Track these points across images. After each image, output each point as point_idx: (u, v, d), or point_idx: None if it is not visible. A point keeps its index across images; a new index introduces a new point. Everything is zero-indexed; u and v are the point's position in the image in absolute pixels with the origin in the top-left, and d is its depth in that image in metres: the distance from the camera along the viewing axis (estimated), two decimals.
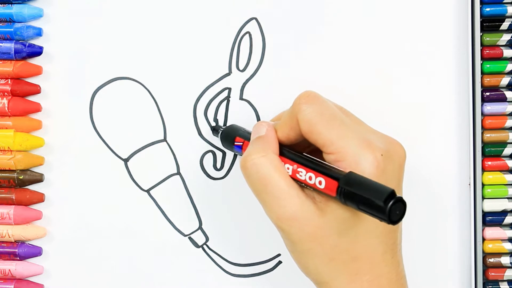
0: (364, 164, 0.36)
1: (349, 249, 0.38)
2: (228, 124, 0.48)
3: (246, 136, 0.43)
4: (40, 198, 0.48)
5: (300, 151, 0.40)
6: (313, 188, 0.37)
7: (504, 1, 0.47)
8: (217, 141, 0.48)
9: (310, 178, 0.37)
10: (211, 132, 0.48)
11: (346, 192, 0.35)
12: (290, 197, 0.37)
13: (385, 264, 0.38)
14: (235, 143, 0.44)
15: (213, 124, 0.48)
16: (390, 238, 0.39)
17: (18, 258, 0.48)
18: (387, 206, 0.33)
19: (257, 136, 0.41)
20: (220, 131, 0.46)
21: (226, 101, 0.48)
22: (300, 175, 0.38)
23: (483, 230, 0.47)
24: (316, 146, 0.39)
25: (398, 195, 0.33)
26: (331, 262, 0.38)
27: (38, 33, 0.48)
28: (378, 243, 0.38)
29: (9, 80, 0.48)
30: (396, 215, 0.33)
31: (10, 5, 0.48)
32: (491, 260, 0.47)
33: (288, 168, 0.39)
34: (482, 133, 0.47)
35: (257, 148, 0.39)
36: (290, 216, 0.37)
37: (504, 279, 0.47)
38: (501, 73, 0.47)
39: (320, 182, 0.37)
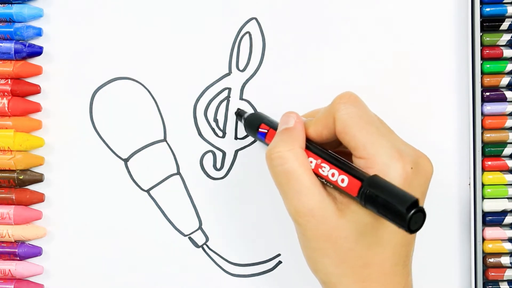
0: (392, 175, 0.36)
1: (362, 255, 0.37)
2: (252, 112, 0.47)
3: (272, 124, 0.43)
4: (40, 198, 0.48)
5: (326, 149, 0.39)
6: (335, 186, 0.37)
7: (504, 1, 0.47)
8: (217, 141, 0.48)
9: (333, 175, 0.37)
10: (212, 131, 0.48)
11: (368, 194, 0.34)
12: (311, 194, 0.37)
13: (394, 274, 0.38)
14: (260, 129, 0.43)
15: (214, 122, 0.48)
16: (404, 251, 0.39)
17: (18, 258, 0.48)
18: (408, 213, 0.32)
19: (285, 128, 0.40)
20: (245, 117, 0.46)
21: (226, 101, 0.48)
22: (323, 171, 0.38)
23: (483, 230, 0.47)
24: (345, 149, 0.39)
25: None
26: (342, 264, 0.38)
27: (38, 33, 0.48)
28: (392, 253, 0.38)
29: (9, 80, 0.48)
30: (415, 225, 0.33)
31: (10, 5, 0.48)
32: (491, 260, 0.47)
33: (311, 162, 0.38)
34: (482, 133, 0.47)
35: (284, 141, 0.39)
36: (308, 211, 0.37)
37: (504, 279, 0.47)
38: (501, 73, 0.47)
39: (342, 180, 0.36)
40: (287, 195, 0.38)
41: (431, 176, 0.39)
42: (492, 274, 0.47)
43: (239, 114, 0.47)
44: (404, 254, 0.39)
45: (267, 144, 0.42)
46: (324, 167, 0.38)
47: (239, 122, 0.48)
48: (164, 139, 0.48)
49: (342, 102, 0.38)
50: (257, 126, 0.44)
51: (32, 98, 0.48)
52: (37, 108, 0.48)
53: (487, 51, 0.47)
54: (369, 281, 0.38)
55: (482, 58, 0.47)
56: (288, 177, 0.38)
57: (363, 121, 0.38)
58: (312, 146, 0.39)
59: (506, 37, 0.47)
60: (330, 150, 0.39)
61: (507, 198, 0.47)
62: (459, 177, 0.48)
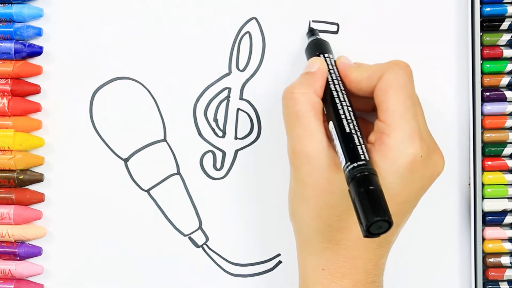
0: (402, 153, 0.36)
1: (342, 216, 0.38)
2: (317, 40, 0.46)
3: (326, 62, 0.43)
4: (40, 198, 0.48)
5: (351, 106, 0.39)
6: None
7: (504, 1, 0.47)
8: (217, 141, 0.48)
9: (336, 135, 0.37)
10: (212, 131, 0.48)
11: (353, 182, 0.34)
12: (313, 139, 0.38)
13: (366, 250, 0.38)
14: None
15: (214, 122, 0.48)
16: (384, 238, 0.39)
17: (18, 258, 0.48)
18: (369, 226, 0.32)
19: (307, 71, 0.41)
20: (313, 39, 0.45)
21: (226, 101, 0.48)
22: (331, 127, 0.38)
23: (483, 230, 0.47)
24: (372, 108, 0.39)
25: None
26: (319, 218, 0.38)
27: (38, 33, 0.48)
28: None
29: (9, 80, 0.48)
30: (376, 230, 0.32)
31: (10, 5, 0.48)
32: (491, 260, 0.47)
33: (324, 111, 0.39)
34: (482, 133, 0.47)
35: (301, 83, 0.40)
36: (305, 156, 0.38)
37: (504, 279, 0.47)
38: (501, 73, 0.47)
39: (340, 146, 0.37)
40: (290, 136, 0.39)
41: (438, 175, 0.40)
42: (492, 274, 0.47)
43: (312, 32, 0.46)
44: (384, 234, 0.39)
45: None
46: (331, 125, 0.38)
47: (239, 121, 0.48)
48: (164, 139, 0.48)
49: (396, 66, 0.39)
50: (316, 53, 0.43)
51: (32, 98, 0.48)
52: (37, 108, 0.48)
53: (487, 51, 0.47)
54: (339, 246, 0.38)
55: (482, 58, 0.47)
56: (296, 119, 0.39)
57: (405, 91, 0.38)
58: (331, 103, 0.39)
59: (506, 37, 0.47)
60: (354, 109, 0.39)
61: (507, 198, 0.47)
62: (459, 177, 0.48)
